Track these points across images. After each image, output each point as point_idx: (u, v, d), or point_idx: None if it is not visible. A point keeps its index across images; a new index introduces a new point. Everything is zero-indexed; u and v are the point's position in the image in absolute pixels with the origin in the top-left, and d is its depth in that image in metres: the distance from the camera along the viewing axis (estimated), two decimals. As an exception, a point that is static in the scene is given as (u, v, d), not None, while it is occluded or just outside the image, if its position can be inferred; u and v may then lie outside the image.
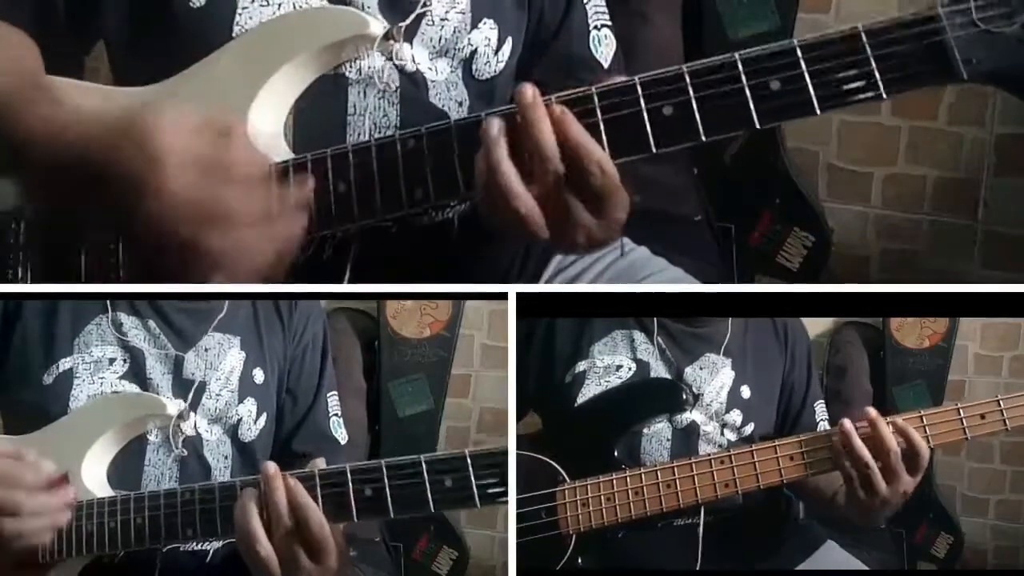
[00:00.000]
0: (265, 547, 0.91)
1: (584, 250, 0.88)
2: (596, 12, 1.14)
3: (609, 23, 1.15)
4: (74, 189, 0.88)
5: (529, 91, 0.83)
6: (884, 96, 0.79)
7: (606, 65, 1.13)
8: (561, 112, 0.83)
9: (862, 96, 0.80)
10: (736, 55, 0.81)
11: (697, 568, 1.17)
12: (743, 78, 0.81)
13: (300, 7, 0.97)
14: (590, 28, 1.13)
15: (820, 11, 1.99)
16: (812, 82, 0.80)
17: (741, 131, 0.82)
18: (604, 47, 1.13)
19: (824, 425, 1.29)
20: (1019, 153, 2.03)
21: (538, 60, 1.10)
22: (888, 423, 1.03)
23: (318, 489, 0.93)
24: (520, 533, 1.07)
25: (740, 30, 1.86)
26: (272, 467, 0.93)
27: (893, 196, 2.13)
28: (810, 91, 0.80)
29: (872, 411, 1.04)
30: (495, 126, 0.84)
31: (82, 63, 1.11)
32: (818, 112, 0.81)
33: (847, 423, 1.04)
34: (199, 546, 1.10)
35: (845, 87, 0.80)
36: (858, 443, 1.03)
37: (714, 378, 1.22)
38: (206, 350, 1.13)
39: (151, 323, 1.12)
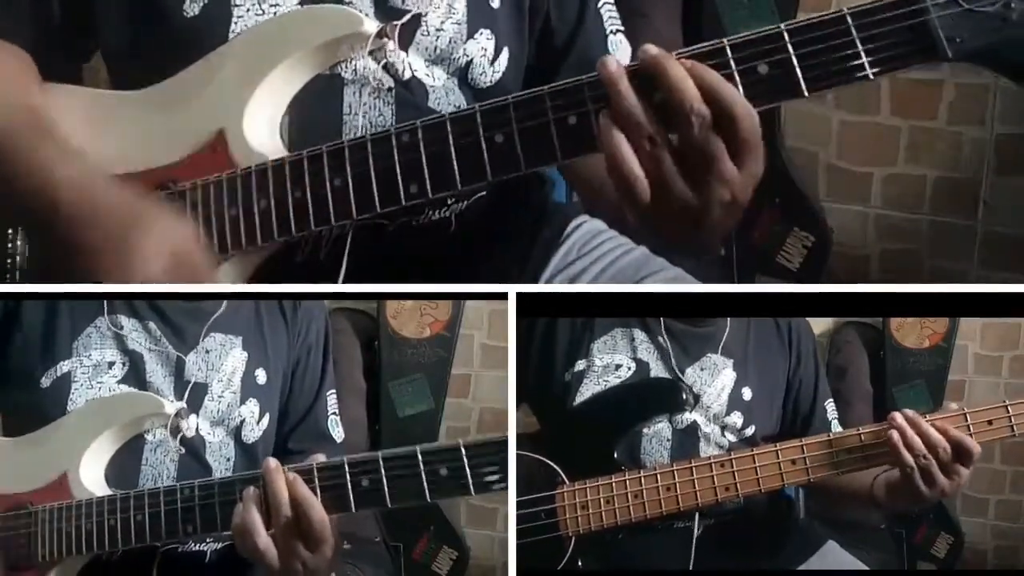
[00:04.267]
0: (264, 539, 0.93)
1: (721, 220, 0.82)
2: (610, 17, 1.14)
3: (623, 28, 1.15)
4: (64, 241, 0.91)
5: (652, 47, 0.80)
6: (871, 76, 0.80)
7: None
8: (692, 64, 0.80)
9: (849, 77, 0.81)
10: (724, 40, 0.82)
11: (693, 569, 1.17)
12: (732, 63, 0.81)
13: (295, 10, 0.97)
14: (607, 33, 1.13)
15: (820, 10, 1.98)
16: (799, 64, 0.81)
17: None
18: (620, 52, 1.13)
19: (836, 424, 1.29)
20: (1019, 153, 2.04)
21: (559, 66, 1.10)
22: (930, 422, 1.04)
23: (316, 482, 0.94)
24: (520, 534, 1.07)
25: (740, 29, 1.85)
26: (273, 462, 0.95)
27: (893, 196, 2.13)
28: (798, 73, 0.81)
29: (908, 412, 1.04)
30: (613, 63, 0.81)
31: (80, 68, 1.12)
32: (806, 94, 0.81)
33: (899, 418, 1.04)
34: (196, 546, 1.10)
35: (832, 68, 0.81)
36: (913, 436, 1.03)
37: (715, 379, 1.21)
38: (207, 351, 1.13)
39: (151, 325, 1.12)
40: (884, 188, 2.12)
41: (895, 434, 1.04)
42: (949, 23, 0.78)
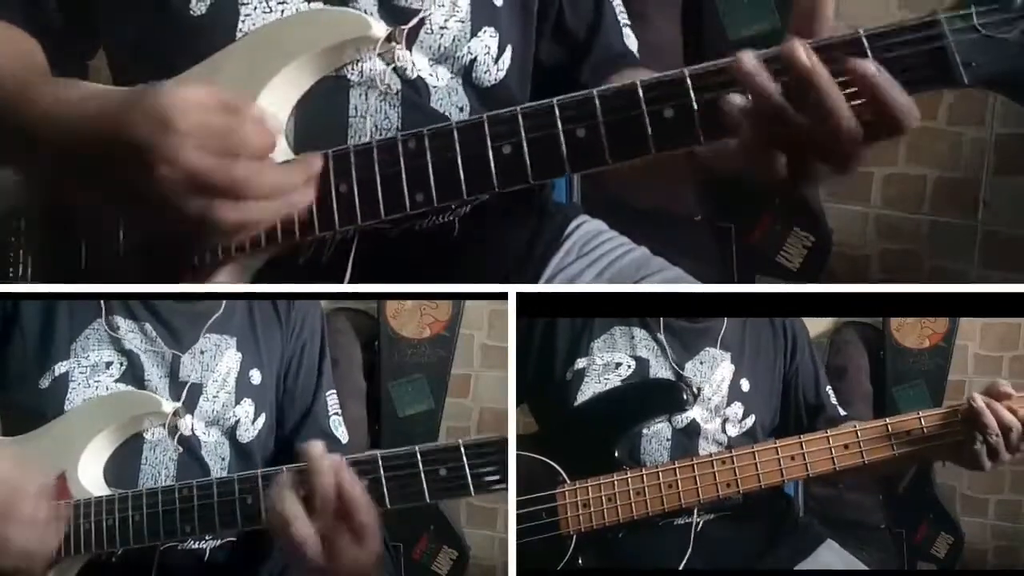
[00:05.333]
0: (305, 527, 0.88)
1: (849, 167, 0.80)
2: (620, 11, 1.15)
3: (629, 22, 1.15)
4: (83, 167, 0.87)
5: (799, 47, 0.77)
6: None
7: (639, 60, 1.13)
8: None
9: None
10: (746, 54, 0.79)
11: (690, 567, 1.17)
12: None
13: (302, 11, 0.97)
14: (621, 25, 1.14)
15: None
16: None
17: None
18: (633, 44, 1.14)
19: (840, 410, 1.30)
20: (1019, 153, 2.04)
21: (582, 63, 1.10)
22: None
23: None
24: (520, 534, 1.07)
25: (740, 30, 1.86)
26: (319, 446, 0.90)
27: (893, 196, 2.13)
28: None
29: (1005, 383, 1.05)
30: (750, 60, 0.77)
31: (87, 66, 1.11)
32: None
33: (979, 400, 1.04)
34: (196, 545, 1.10)
35: (848, 90, 0.78)
36: (990, 418, 1.03)
37: (714, 372, 1.22)
38: (202, 352, 1.13)
39: (147, 326, 1.12)
40: (884, 188, 2.13)
41: (984, 411, 1.03)
42: (966, 48, 0.77)
